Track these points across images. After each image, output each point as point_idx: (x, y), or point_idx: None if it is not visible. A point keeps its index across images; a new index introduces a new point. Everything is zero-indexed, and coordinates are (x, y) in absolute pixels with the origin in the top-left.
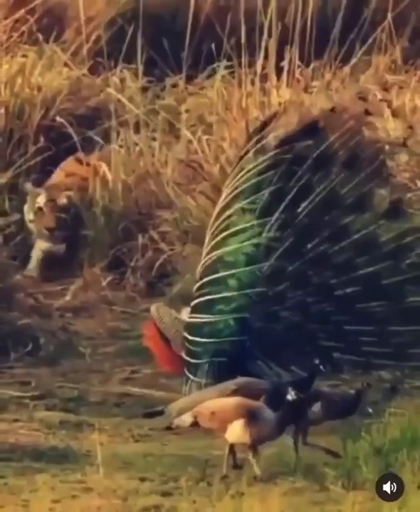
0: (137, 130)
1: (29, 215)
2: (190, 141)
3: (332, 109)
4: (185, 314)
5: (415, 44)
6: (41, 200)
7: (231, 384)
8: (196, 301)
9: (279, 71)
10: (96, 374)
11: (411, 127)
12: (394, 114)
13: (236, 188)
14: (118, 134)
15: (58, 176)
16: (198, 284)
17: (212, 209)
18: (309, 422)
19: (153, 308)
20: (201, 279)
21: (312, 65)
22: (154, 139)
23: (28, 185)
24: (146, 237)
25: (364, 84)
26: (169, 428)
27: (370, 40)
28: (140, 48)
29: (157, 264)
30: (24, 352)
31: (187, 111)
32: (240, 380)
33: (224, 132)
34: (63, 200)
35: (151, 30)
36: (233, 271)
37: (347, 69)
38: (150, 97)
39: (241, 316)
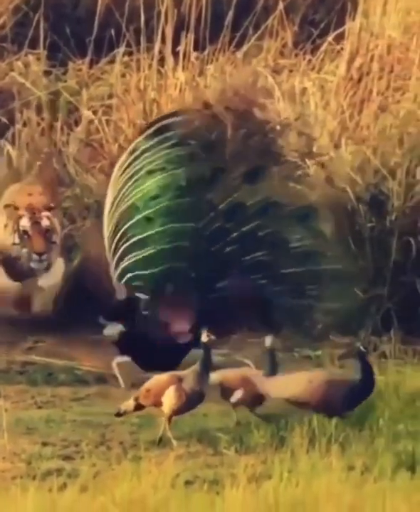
0: (40, 111)
1: (13, 239)
2: (90, 122)
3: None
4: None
5: (304, 30)
6: (25, 223)
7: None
8: (123, 247)
9: (175, 55)
10: (0, 344)
11: None
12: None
13: (140, 154)
14: (22, 114)
15: (22, 198)
16: (118, 236)
17: None
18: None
19: None
20: (117, 230)
21: (207, 50)
22: (56, 120)
23: (10, 209)
24: None
25: (256, 67)
26: (118, 414)
27: (263, 27)
28: (43, 33)
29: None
30: None
31: (88, 93)
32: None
33: (123, 113)
34: (46, 222)
35: (54, 16)
36: (147, 211)
37: (239, 54)
38: (53, 80)
39: (178, 244)
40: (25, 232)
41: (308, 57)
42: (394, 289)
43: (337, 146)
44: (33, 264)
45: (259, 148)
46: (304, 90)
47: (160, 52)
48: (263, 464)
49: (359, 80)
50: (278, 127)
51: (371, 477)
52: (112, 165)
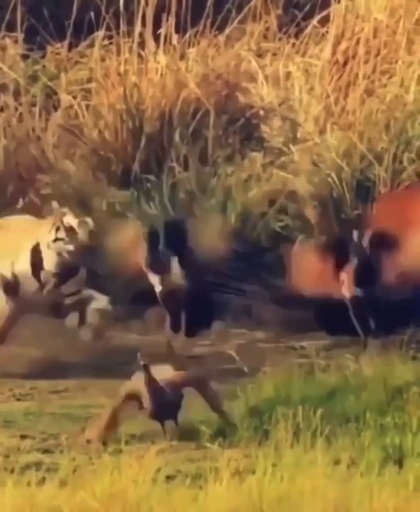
0: (17, 96)
1: (58, 233)
2: (70, 107)
3: None
4: None
5: (288, 12)
6: (71, 220)
7: None
8: None
9: (156, 39)
10: None
11: None
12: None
13: None
14: None
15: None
16: None
17: (91, 172)
18: None
19: None
20: None
21: (188, 33)
22: (34, 105)
23: (55, 204)
24: (26, 199)
25: (239, 51)
26: None
27: (245, 9)
28: (21, 16)
29: None
30: None
31: (67, 77)
32: None
33: (103, 98)
34: (91, 224)
35: None
36: None
37: (222, 37)
38: (31, 64)
39: None
40: (71, 228)
41: (292, 40)
42: None
43: (322, 132)
44: (78, 259)
45: (242, 133)
46: (288, 74)
47: (140, 35)
48: (247, 458)
49: (345, 64)
50: (262, 112)
51: (357, 472)
52: (93, 151)
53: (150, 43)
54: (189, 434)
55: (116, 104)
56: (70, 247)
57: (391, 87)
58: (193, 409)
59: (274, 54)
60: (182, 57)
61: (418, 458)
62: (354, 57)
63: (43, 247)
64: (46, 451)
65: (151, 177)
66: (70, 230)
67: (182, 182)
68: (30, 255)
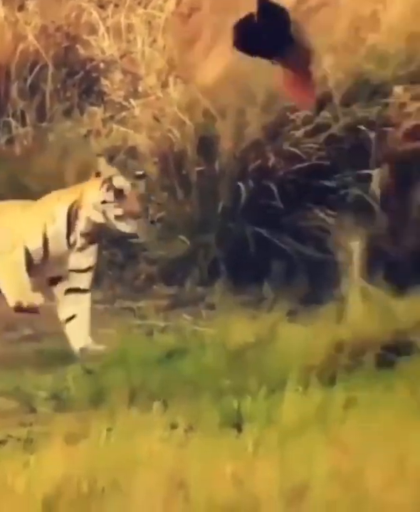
0: None
1: (105, 196)
2: None
3: None
4: None
5: None
6: (122, 182)
7: None
8: None
9: None
10: None
11: None
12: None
13: None
14: None
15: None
16: None
17: None
18: None
19: None
20: None
21: None
22: None
23: (102, 161)
24: None
25: (80, 2)
26: None
27: None
28: None
29: None
30: None
31: None
32: None
33: None
34: (142, 188)
35: None
36: None
37: None
38: None
39: None
40: (120, 191)
41: None
42: (222, 237)
43: (164, 86)
44: (122, 227)
45: (81, 87)
46: (130, 26)
47: None
48: (81, 422)
49: (189, 16)
50: (102, 65)
51: (195, 436)
52: None
53: None
54: (21, 397)
55: None
56: (119, 212)
57: None
58: (27, 372)
59: (116, 5)
60: (21, 8)
61: (257, 422)
62: (199, 9)
63: (85, 206)
64: None
65: None
66: (119, 194)
67: (19, 137)
68: (66, 216)
